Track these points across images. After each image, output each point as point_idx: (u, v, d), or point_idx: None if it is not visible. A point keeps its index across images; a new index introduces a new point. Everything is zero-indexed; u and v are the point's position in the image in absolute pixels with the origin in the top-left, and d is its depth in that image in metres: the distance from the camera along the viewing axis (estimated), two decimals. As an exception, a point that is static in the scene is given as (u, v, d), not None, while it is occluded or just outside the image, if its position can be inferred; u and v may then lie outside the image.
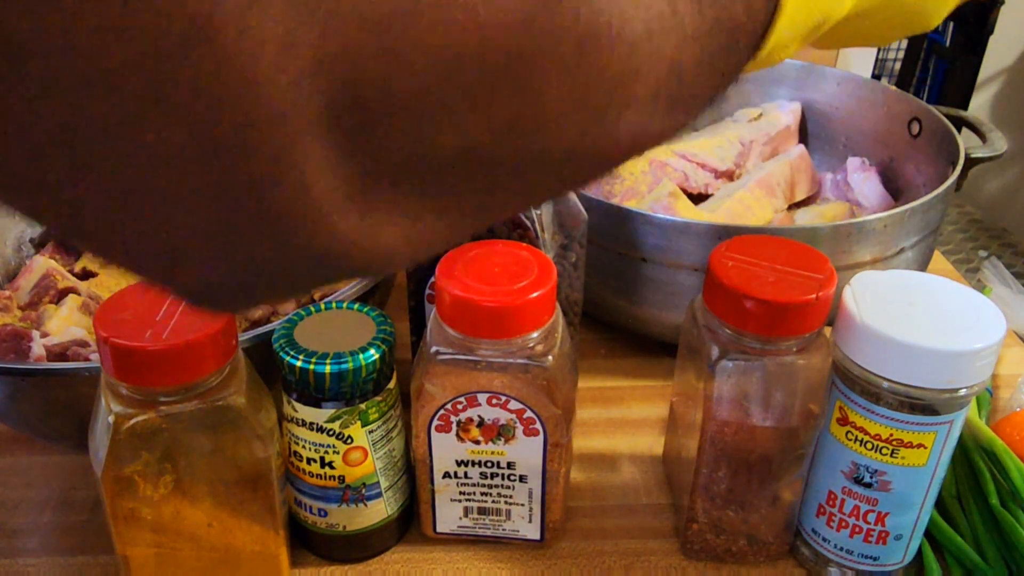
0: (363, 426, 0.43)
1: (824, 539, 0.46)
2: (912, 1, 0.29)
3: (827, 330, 0.42)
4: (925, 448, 0.41)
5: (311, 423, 0.42)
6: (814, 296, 0.39)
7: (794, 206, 0.72)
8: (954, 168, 0.61)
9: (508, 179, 0.21)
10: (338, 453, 0.43)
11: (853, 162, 0.74)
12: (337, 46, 0.16)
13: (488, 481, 0.45)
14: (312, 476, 0.44)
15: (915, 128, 0.70)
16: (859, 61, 1.58)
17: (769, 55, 0.26)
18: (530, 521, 0.47)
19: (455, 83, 0.18)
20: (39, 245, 0.64)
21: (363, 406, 0.42)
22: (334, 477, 0.44)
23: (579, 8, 0.19)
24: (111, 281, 0.60)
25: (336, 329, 0.43)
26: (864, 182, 0.72)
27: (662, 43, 0.21)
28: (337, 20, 0.16)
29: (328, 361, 0.41)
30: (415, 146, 0.19)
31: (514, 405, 0.42)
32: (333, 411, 0.42)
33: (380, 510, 0.46)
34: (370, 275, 0.46)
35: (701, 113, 0.25)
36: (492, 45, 0.18)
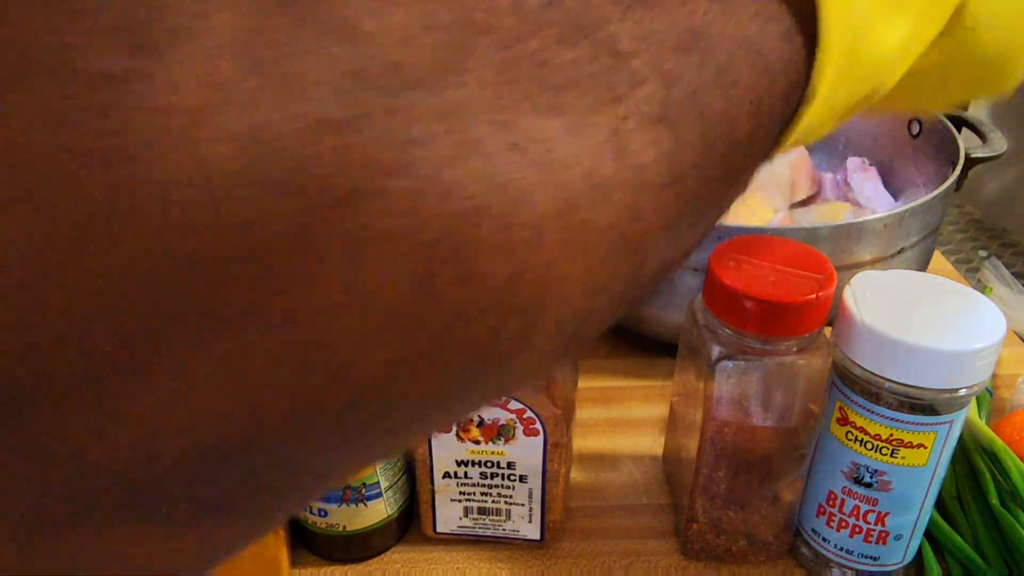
0: (363, 426, 0.43)
1: (824, 539, 0.46)
2: (992, 51, 0.20)
3: (827, 330, 0.42)
4: (925, 448, 0.41)
5: (311, 423, 0.42)
6: (814, 296, 0.39)
7: (794, 206, 0.72)
8: (954, 168, 0.61)
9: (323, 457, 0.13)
10: (338, 453, 0.43)
11: (853, 162, 0.73)
12: None
13: (488, 481, 0.45)
14: (312, 476, 0.44)
15: (915, 128, 0.70)
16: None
17: (795, 142, 0.19)
18: (530, 521, 0.47)
19: (149, 341, 0.10)
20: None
21: (363, 406, 0.42)
22: (334, 477, 0.44)
23: (414, 198, 0.11)
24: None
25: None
26: (864, 182, 0.72)
27: (599, 210, 0.13)
28: None
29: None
30: (102, 455, 0.11)
31: (514, 405, 0.42)
32: (333, 411, 0.42)
33: (380, 510, 0.46)
34: None
35: (700, 243, 0.18)
36: (196, 272, 0.10)
